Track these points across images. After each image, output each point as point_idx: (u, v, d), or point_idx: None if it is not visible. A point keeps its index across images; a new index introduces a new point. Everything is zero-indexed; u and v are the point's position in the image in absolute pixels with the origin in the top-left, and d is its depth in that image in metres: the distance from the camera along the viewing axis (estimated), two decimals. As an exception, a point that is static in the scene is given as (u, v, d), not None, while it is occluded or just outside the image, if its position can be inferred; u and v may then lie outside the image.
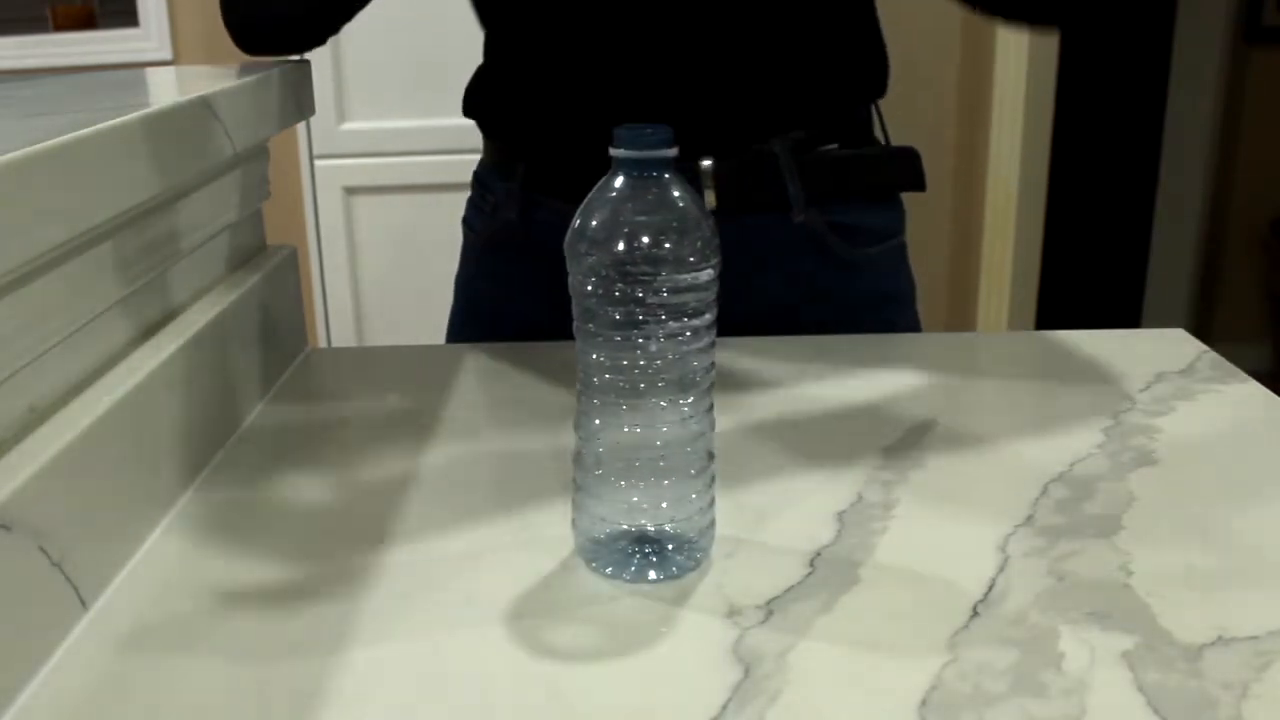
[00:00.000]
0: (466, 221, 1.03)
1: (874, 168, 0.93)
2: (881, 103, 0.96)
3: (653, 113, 0.86)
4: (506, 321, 0.98)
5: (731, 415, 0.75)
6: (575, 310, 0.55)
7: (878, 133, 0.96)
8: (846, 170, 0.92)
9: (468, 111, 0.99)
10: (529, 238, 0.95)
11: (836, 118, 0.92)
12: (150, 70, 0.98)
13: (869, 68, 0.94)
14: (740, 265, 0.92)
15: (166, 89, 0.84)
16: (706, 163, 0.88)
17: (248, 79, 0.78)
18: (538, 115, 0.93)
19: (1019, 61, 2.54)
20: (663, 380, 0.54)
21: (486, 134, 1.00)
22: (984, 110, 2.62)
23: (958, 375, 0.86)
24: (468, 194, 1.04)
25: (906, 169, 0.94)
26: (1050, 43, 2.56)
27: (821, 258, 0.92)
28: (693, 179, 0.89)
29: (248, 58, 0.90)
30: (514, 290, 0.98)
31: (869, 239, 0.94)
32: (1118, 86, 3.32)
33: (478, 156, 1.02)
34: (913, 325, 1.00)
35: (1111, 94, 3.32)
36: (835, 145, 0.91)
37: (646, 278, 0.52)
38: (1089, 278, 3.42)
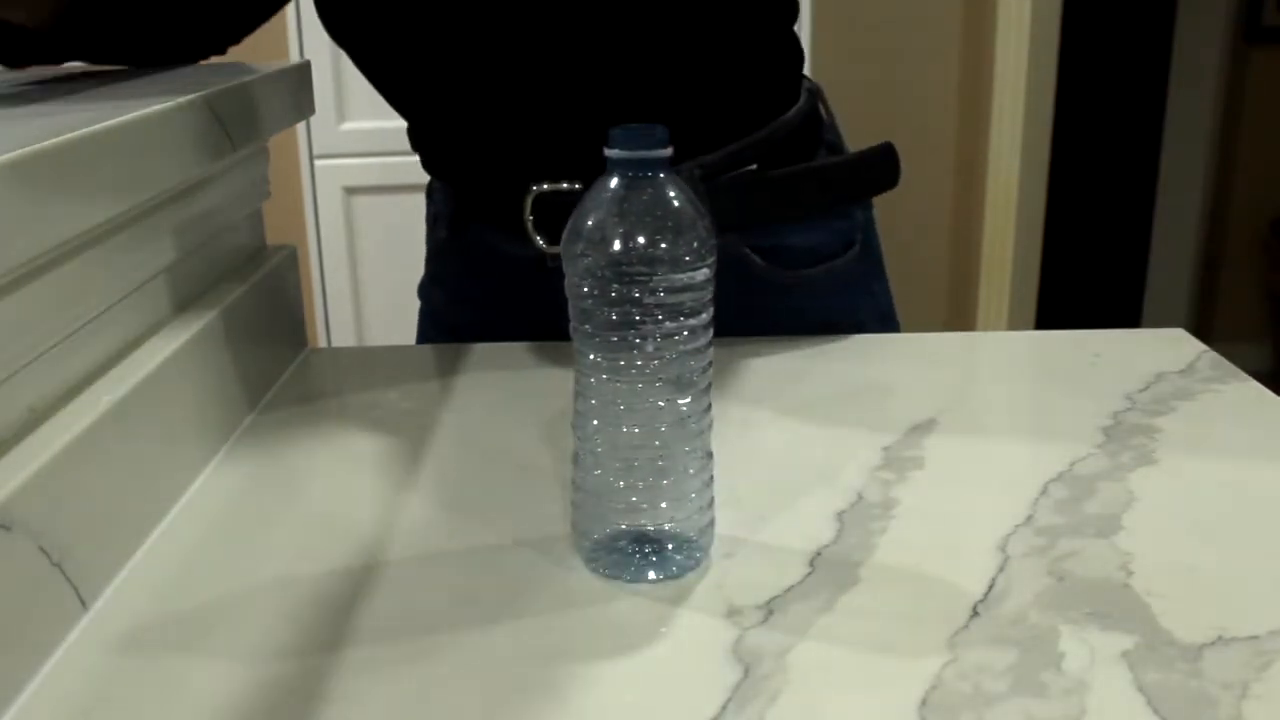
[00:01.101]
0: (427, 230, 1.05)
1: (808, 183, 0.88)
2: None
3: (565, 140, 0.82)
4: (456, 331, 0.99)
5: (731, 415, 0.75)
6: (572, 311, 0.55)
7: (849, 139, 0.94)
8: (769, 190, 0.87)
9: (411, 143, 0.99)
10: (460, 257, 0.98)
11: (748, 138, 0.87)
12: (150, 70, 0.98)
13: (775, 83, 0.89)
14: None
15: (167, 89, 0.84)
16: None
17: (248, 79, 0.78)
18: (450, 151, 0.93)
19: (1019, 60, 2.54)
20: (660, 380, 0.54)
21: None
22: (984, 109, 2.62)
23: (958, 375, 0.86)
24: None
25: (862, 175, 0.90)
26: (1050, 42, 2.56)
27: (743, 283, 0.87)
28: None
29: (248, 58, 0.90)
30: (457, 301, 1.00)
31: (803, 259, 0.89)
32: (1118, 86, 3.32)
33: None
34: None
35: (1111, 93, 3.32)
36: (754, 165, 0.86)
37: (643, 278, 0.52)
38: (1089, 277, 3.42)
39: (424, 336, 1.06)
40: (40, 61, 0.91)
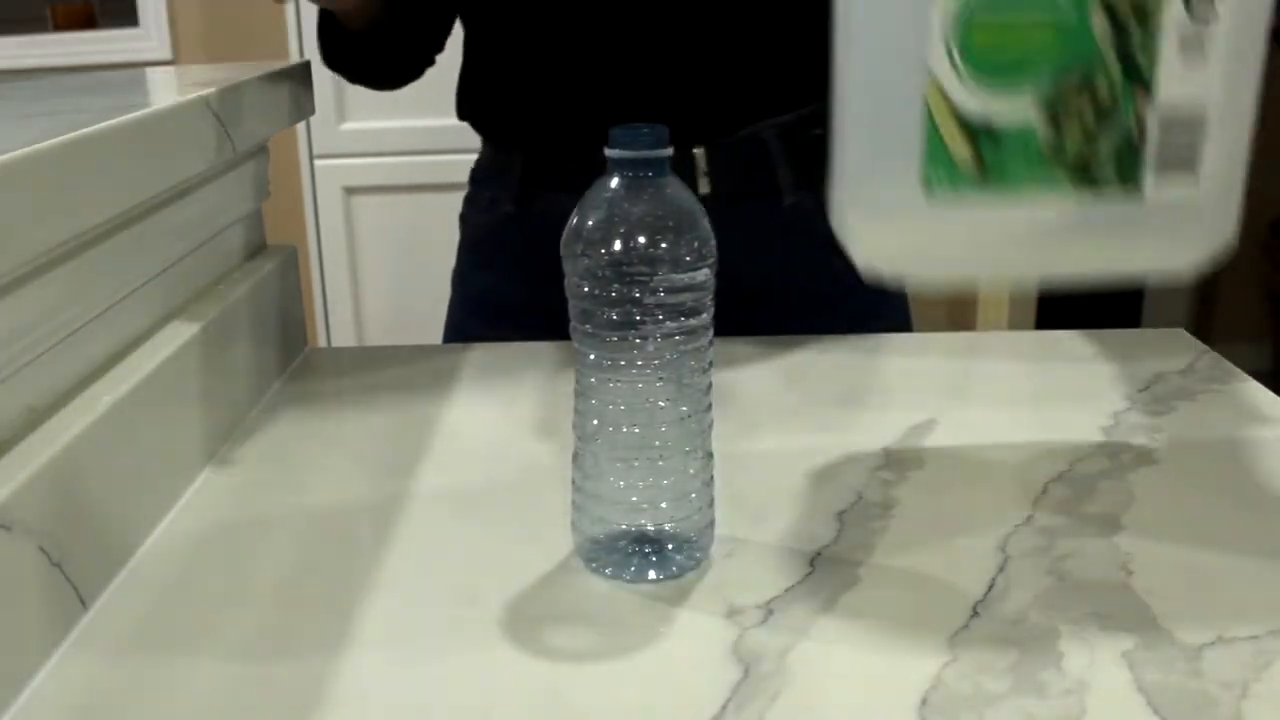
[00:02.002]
0: (463, 218, 1.04)
1: None
2: None
3: (643, 103, 0.87)
4: (503, 313, 0.98)
5: (731, 415, 0.75)
6: (572, 311, 0.55)
7: None
8: None
9: (462, 115, 1.00)
10: (526, 230, 0.96)
11: (826, 101, 0.92)
12: (150, 70, 0.98)
13: None
14: (731, 251, 0.92)
15: (166, 89, 0.84)
16: (699, 150, 0.89)
17: (248, 79, 0.78)
18: (530, 112, 0.94)
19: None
20: (661, 380, 0.54)
21: (481, 135, 1.00)
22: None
23: (958, 375, 0.86)
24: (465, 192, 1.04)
25: None
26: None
27: (809, 239, 0.91)
28: (686, 168, 0.90)
29: (248, 58, 0.90)
30: (510, 281, 0.99)
31: None
32: (1118, 86, 3.32)
33: (476, 156, 1.03)
34: (901, 307, 1.00)
35: (1112, 94, 3.31)
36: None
37: (643, 278, 0.52)
38: (1089, 277, 3.42)
39: (457, 326, 1.05)
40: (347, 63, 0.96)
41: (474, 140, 1.02)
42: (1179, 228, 0.59)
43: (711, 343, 0.56)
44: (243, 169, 0.82)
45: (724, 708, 0.47)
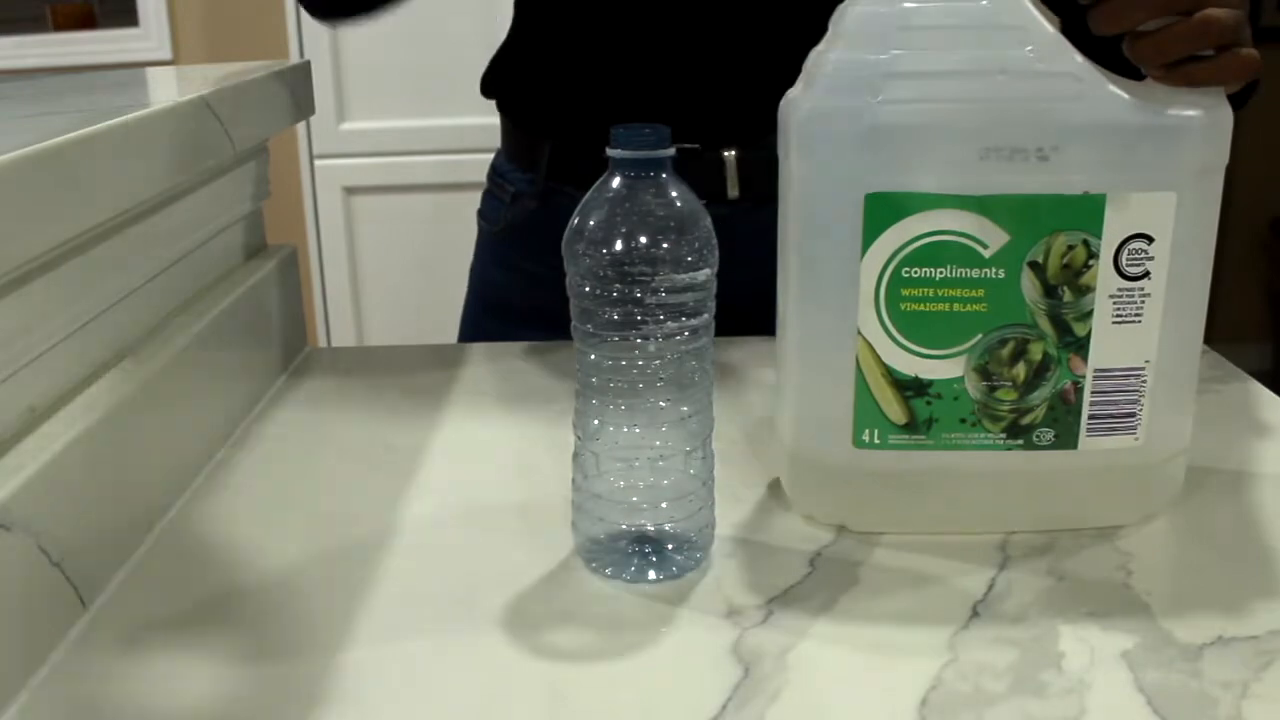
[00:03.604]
0: (481, 214, 1.04)
1: None
2: None
3: (676, 102, 0.87)
4: (522, 311, 0.98)
5: (731, 415, 0.75)
6: (573, 310, 0.55)
7: None
8: None
9: (489, 91, 0.99)
10: (549, 227, 0.96)
11: None
12: (150, 70, 0.98)
13: None
14: (758, 253, 0.92)
15: (166, 89, 0.84)
16: (730, 154, 0.89)
17: (248, 79, 0.78)
18: (564, 98, 0.94)
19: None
20: (661, 380, 0.54)
21: (508, 116, 1.00)
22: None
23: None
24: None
25: None
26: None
27: None
28: (716, 170, 0.90)
29: (248, 58, 0.90)
30: (531, 280, 0.98)
31: None
32: (1118, 86, 3.32)
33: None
34: None
35: (1111, 94, 3.31)
36: None
37: (644, 278, 0.52)
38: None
39: (474, 324, 1.04)
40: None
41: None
42: (1120, 484, 0.59)
43: (712, 342, 0.56)
44: (243, 169, 0.82)
45: (724, 708, 0.47)
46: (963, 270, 0.55)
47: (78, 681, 0.50)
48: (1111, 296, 0.55)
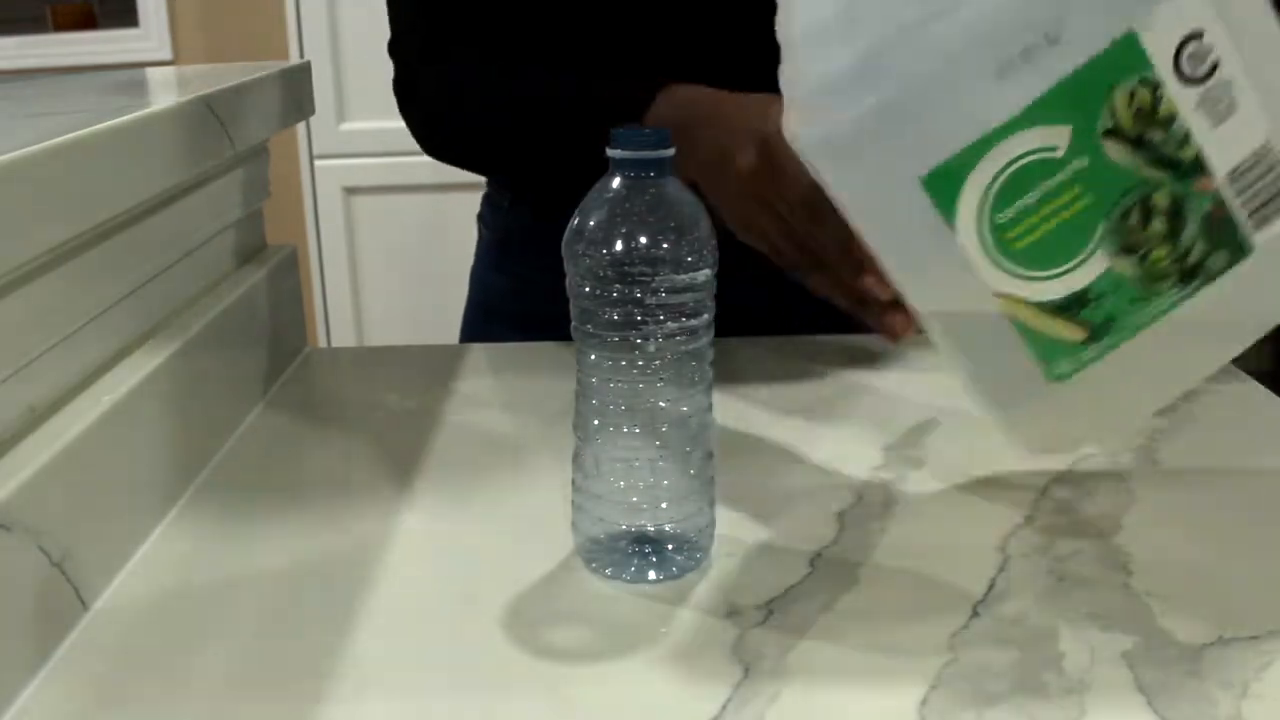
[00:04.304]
0: (481, 218, 1.03)
1: None
2: None
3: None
4: (519, 316, 0.98)
5: (731, 415, 0.75)
6: (573, 311, 0.55)
7: None
8: None
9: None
10: (547, 233, 0.95)
11: None
12: (150, 70, 0.98)
13: None
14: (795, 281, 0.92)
15: (166, 89, 0.84)
16: None
17: (248, 79, 0.78)
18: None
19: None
20: (661, 380, 0.54)
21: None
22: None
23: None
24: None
25: None
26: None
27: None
28: None
29: (248, 58, 0.90)
30: (528, 285, 0.98)
31: None
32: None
33: None
34: None
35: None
36: None
37: (644, 278, 0.52)
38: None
39: (474, 330, 1.04)
40: None
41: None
42: None
43: (712, 343, 0.56)
44: (243, 169, 0.82)
45: (724, 708, 0.47)
46: (1048, 182, 0.52)
47: (78, 682, 0.50)
48: (1197, 107, 0.52)
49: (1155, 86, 0.52)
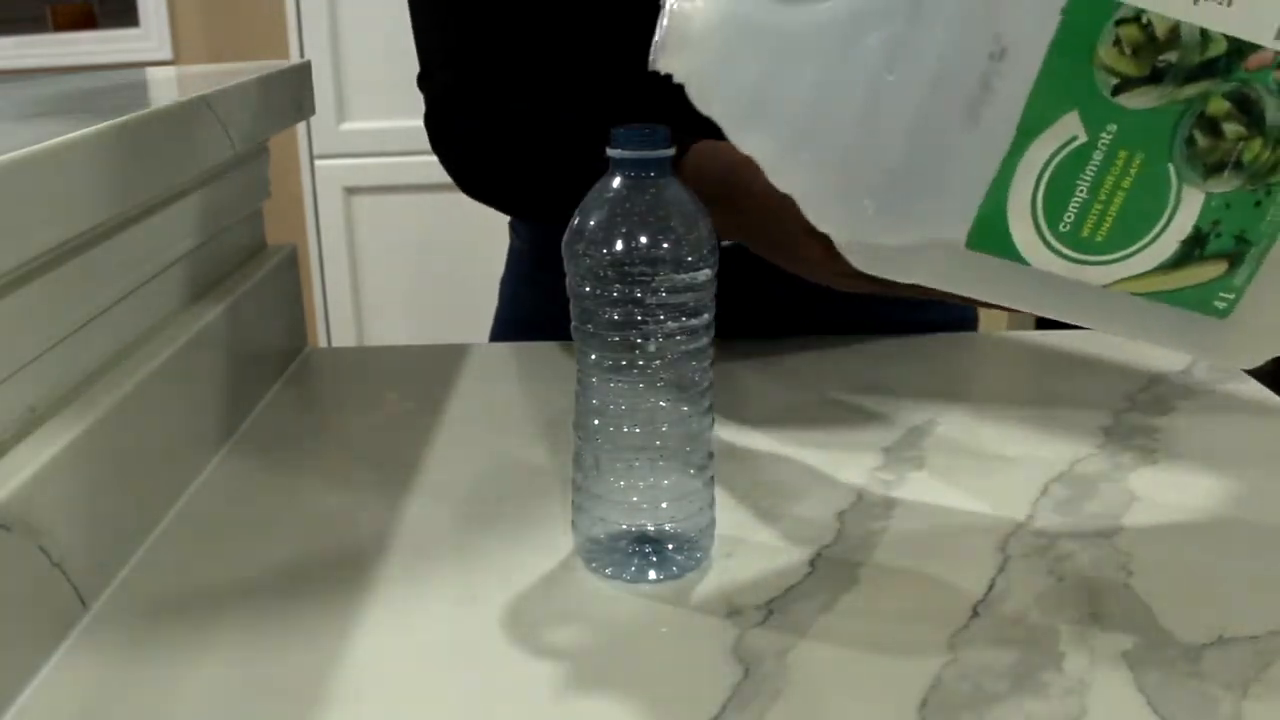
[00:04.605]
0: (512, 225, 1.01)
1: None
2: None
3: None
4: (549, 333, 0.96)
5: (731, 415, 0.75)
6: (573, 310, 0.55)
7: None
8: None
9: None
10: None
11: None
12: (150, 70, 0.98)
13: None
14: (801, 292, 0.91)
15: (166, 89, 0.84)
16: None
17: (248, 79, 0.78)
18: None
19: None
20: (662, 380, 0.54)
21: None
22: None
23: (958, 375, 0.86)
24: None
25: None
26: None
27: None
28: None
29: (248, 58, 0.90)
30: (559, 302, 0.97)
31: None
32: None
33: None
34: (966, 311, 0.98)
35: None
36: None
37: (645, 278, 0.52)
38: (1089, 278, 3.41)
39: (500, 336, 1.02)
40: None
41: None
42: None
43: (712, 343, 0.56)
44: (243, 169, 0.82)
45: (724, 708, 0.47)
46: (1088, 169, 0.49)
47: (78, 682, 0.50)
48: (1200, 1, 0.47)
49: (1138, 16, 0.47)
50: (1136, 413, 0.75)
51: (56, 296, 0.57)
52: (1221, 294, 0.52)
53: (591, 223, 0.53)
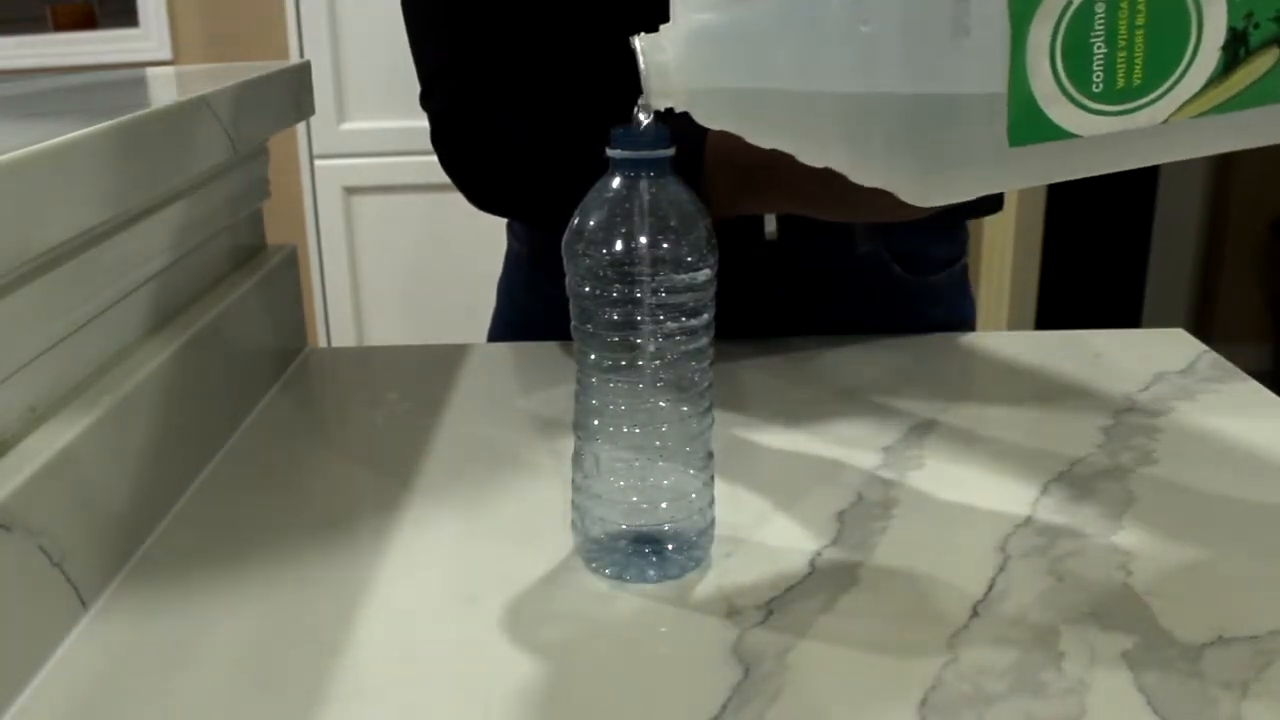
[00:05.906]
0: (509, 227, 1.01)
1: None
2: None
3: None
4: (547, 334, 0.96)
5: (731, 415, 0.75)
6: (573, 310, 0.55)
7: None
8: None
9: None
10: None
11: None
12: (150, 70, 0.98)
13: None
14: (801, 293, 0.92)
15: (166, 89, 0.84)
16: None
17: (248, 79, 0.78)
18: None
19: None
20: (661, 380, 0.54)
21: None
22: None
23: (958, 375, 0.86)
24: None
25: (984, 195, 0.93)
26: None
27: (883, 286, 0.92)
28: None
29: (248, 58, 0.90)
30: (556, 303, 0.97)
31: (933, 267, 0.94)
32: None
33: None
34: (966, 311, 0.99)
35: (1111, 93, 3.31)
36: None
37: (644, 278, 0.52)
38: (1089, 277, 3.42)
39: (498, 339, 1.02)
40: None
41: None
42: None
43: (712, 343, 0.56)
44: (243, 169, 0.82)
45: (724, 708, 0.47)
46: (1095, 25, 0.47)
47: (78, 681, 0.50)
48: None
49: None
50: (1136, 413, 0.75)
51: (56, 296, 0.57)
52: None
53: (591, 223, 0.53)
